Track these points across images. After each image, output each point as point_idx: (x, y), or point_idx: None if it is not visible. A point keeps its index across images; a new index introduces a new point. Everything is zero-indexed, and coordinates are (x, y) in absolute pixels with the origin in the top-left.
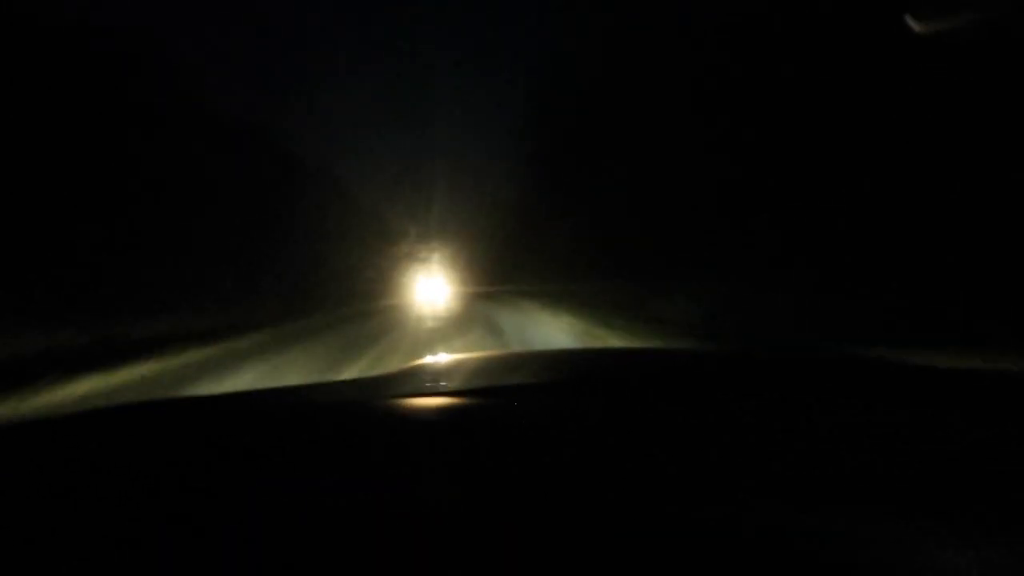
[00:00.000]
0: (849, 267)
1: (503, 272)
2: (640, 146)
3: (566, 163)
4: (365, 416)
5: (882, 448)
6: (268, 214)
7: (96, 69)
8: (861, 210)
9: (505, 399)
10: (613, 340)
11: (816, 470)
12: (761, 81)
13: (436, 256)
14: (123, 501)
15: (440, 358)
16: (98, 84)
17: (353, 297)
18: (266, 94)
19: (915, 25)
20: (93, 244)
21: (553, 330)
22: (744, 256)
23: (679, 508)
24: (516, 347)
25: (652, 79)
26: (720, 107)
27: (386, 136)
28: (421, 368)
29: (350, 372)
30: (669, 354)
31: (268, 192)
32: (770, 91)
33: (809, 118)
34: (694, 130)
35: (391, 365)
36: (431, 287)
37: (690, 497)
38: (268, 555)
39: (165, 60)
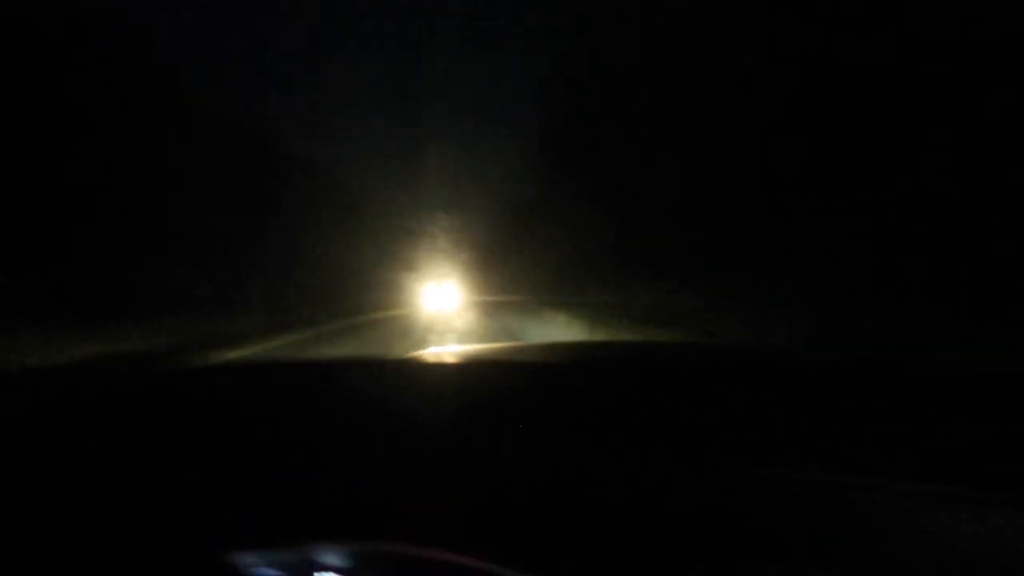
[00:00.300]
0: (927, 270)
1: (529, 280)
2: (673, 140)
3: (592, 155)
4: (366, 385)
5: (876, 425)
6: (254, 213)
7: (76, 58)
8: (924, 212)
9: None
10: None
11: (807, 439)
12: (803, 81)
13: (444, 257)
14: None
15: (445, 349)
16: (75, 72)
17: (347, 306)
18: (255, 87)
19: None
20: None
21: None
22: (794, 259)
23: (674, 480)
24: None
25: (687, 63)
26: (761, 101)
27: (389, 131)
28: (424, 355)
29: None
30: (670, 347)
31: (255, 189)
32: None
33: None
34: (731, 125)
35: None
36: (441, 295)
37: (684, 471)
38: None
39: (146, 49)
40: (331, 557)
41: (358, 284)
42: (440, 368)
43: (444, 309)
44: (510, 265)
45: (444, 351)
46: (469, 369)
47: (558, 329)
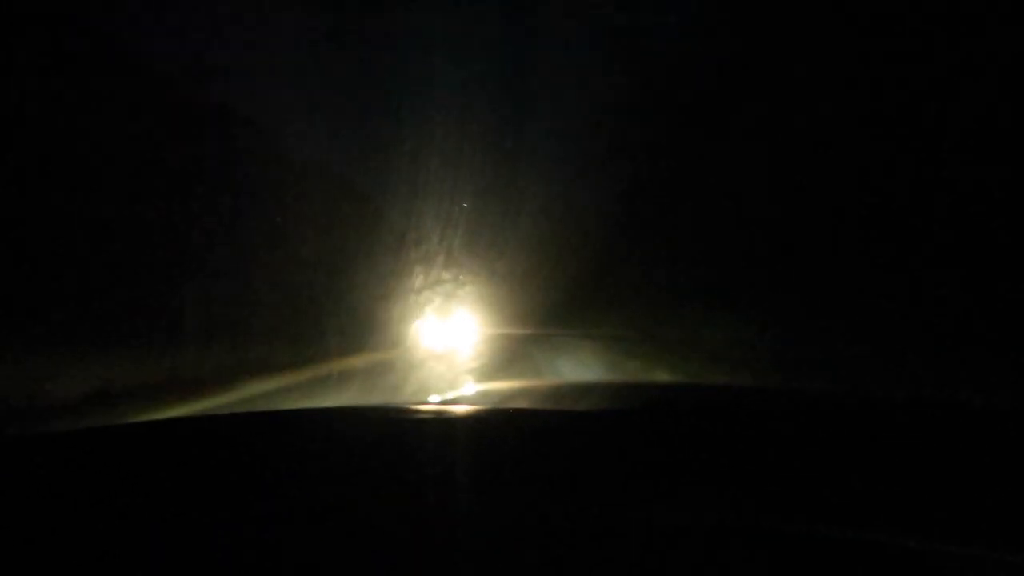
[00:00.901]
0: None
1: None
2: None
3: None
4: (400, 428)
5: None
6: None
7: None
8: None
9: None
10: None
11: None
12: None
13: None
14: (128, 511)
15: (466, 390)
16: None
17: (350, 340)
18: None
19: None
20: None
21: None
22: (888, 306)
23: (692, 518)
24: None
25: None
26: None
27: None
28: (454, 400)
29: None
30: (689, 387)
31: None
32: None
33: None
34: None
35: None
36: (457, 328)
37: (703, 506)
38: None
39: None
40: None
41: (350, 316)
42: (456, 418)
43: (459, 346)
44: (543, 292)
45: (464, 394)
46: (485, 419)
47: (599, 369)
